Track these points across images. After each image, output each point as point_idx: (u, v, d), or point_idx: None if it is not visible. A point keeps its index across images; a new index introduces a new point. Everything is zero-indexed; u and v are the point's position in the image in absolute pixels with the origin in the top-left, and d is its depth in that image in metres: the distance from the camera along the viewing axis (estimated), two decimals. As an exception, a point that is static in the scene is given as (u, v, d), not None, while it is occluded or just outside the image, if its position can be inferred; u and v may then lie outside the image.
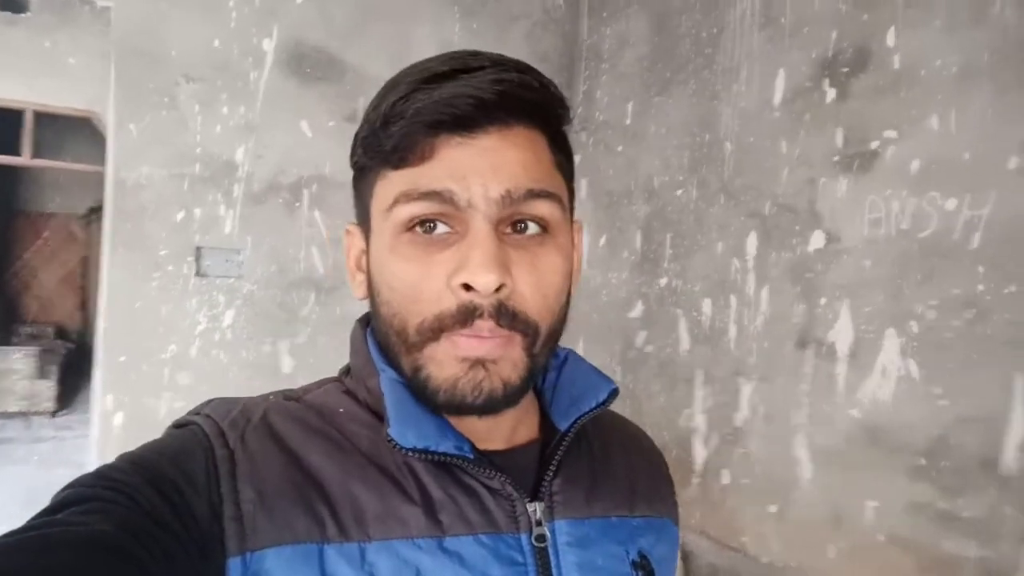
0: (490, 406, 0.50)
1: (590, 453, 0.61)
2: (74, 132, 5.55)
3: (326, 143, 2.09)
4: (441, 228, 0.49)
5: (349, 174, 1.94)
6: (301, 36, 2.03)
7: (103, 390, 1.90)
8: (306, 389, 0.58)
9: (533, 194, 0.49)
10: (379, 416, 0.54)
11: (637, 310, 2.22)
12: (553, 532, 0.54)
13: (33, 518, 0.42)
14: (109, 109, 1.87)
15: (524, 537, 0.52)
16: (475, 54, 0.50)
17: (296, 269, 2.08)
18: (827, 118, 1.63)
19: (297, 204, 2.07)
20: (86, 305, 7.04)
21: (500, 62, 0.50)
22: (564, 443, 0.57)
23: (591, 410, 0.58)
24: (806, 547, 1.66)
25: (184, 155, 1.90)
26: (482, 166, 0.48)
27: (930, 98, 1.43)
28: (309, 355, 2.11)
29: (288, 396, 0.57)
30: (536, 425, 0.60)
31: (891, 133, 1.49)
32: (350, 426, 0.54)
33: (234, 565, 0.46)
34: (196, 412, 0.53)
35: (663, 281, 2.11)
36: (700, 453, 1.98)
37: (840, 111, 1.61)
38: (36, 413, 5.89)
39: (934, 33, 1.43)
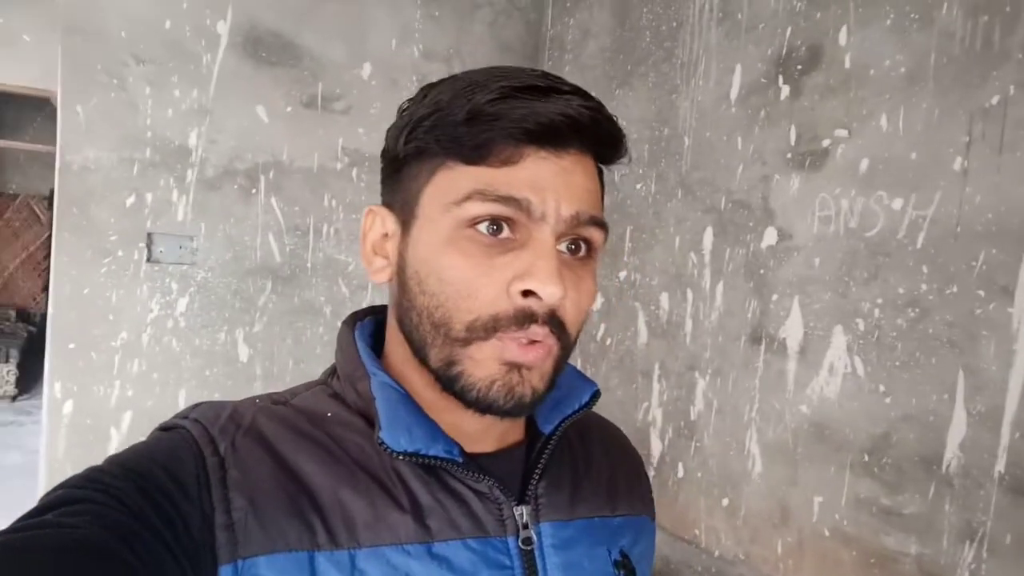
0: (516, 411, 0.51)
1: (572, 455, 0.62)
2: (34, 111, 5.41)
3: (283, 129, 2.05)
4: (505, 232, 0.50)
5: (306, 161, 1.92)
6: (257, 19, 1.99)
7: (51, 377, 1.87)
8: (293, 392, 0.59)
9: (594, 220, 0.52)
10: (368, 419, 0.54)
11: (597, 302, 2.22)
12: (539, 535, 0.55)
13: (21, 518, 0.42)
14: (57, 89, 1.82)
15: (511, 540, 0.53)
16: (559, 78, 0.52)
17: (252, 257, 2.05)
18: (781, 115, 1.64)
19: (253, 191, 2.03)
20: (48, 289, 6.89)
21: (583, 92, 0.52)
22: (549, 446, 0.58)
23: (574, 413, 0.59)
24: (755, 540, 1.68)
25: (134, 138, 1.86)
26: (559, 184, 0.50)
27: (879, 98, 1.44)
28: (266, 344, 2.09)
29: (276, 400, 0.57)
30: (522, 428, 0.62)
31: (842, 132, 1.50)
32: (339, 431, 0.54)
33: (225, 573, 0.46)
34: (184, 416, 0.53)
35: (623, 274, 2.11)
36: (656, 446, 1.99)
37: (793, 108, 1.61)
38: (-4, 397, 5.77)
39: (884, 33, 1.43)
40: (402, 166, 0.55)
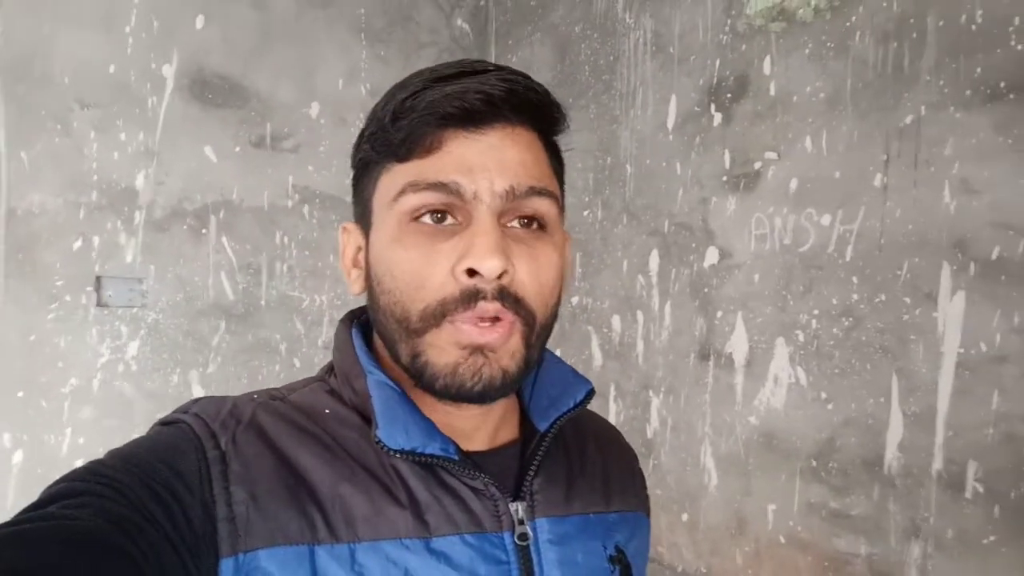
0: (488, 394, 0.51)
1: (567, 452, 0.63)
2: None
3: (232, 168, 2.06)
4: (448, 220, 0.51)
5: (257, 199, 1.94)
6: (203, 62, 2.01)
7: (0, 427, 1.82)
8: (291, 388, 0.59)
9: (534, 191, 0.52)
10: (365, 417, 0.55)
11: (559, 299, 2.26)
12: (535, 530, 0.55)
13: (24, 511, 0.42)
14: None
15: (507, 536, 0.54)
16: (480, 61, 0.53)
17: (204, 296, 2.04)
18: (715, 141, 1.72)
19: (204, 231, 2.03)
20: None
21: (504, 68, 0.53)
22: (544, 444, 0.59)
23: (569, 410, 0.60)
24: (715, 553, 1.72)
25: (80, 182, 1.85)
26: (488, 162, 0.50)
27: (803, 122, 1.53)
28: (221, 384, 2.07)
29: (274, 396, 0.57)
30: (516, 425, 0.62)
31: (771, 154, 1.59)
32: (337, 428, 0.54)
33: (226, 566, 0.46)
34: (184, 411, 0.53)
35: (575, 299, 2.16)
36: (615, 467, 2.02)
37: (726, 134, 1.70)
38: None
39: (804, 62, 1.53)
40: (357, 180, 0.58)
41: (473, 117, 0.50)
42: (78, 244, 1.86)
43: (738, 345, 1.67)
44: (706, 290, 1.74)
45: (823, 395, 1.49)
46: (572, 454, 0.64)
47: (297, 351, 2.17)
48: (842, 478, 1.45)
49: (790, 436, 1.55)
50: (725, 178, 1.70)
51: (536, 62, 2.33)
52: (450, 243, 0.50)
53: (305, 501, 0.50)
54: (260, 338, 2.12)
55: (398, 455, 0.52)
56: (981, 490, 1.23)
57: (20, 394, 1.80)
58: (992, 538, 1.22)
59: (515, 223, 0.53)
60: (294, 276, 2.17)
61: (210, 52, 2.02)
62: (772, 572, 1.58)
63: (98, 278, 1.89)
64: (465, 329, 0.50)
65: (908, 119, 1.36)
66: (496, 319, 0.50)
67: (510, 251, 0.50)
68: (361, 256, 0.58)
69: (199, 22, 2.01)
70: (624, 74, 2.00)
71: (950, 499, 1.28)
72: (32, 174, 1.80)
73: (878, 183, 1.40)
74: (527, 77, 0.53)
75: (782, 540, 1.56)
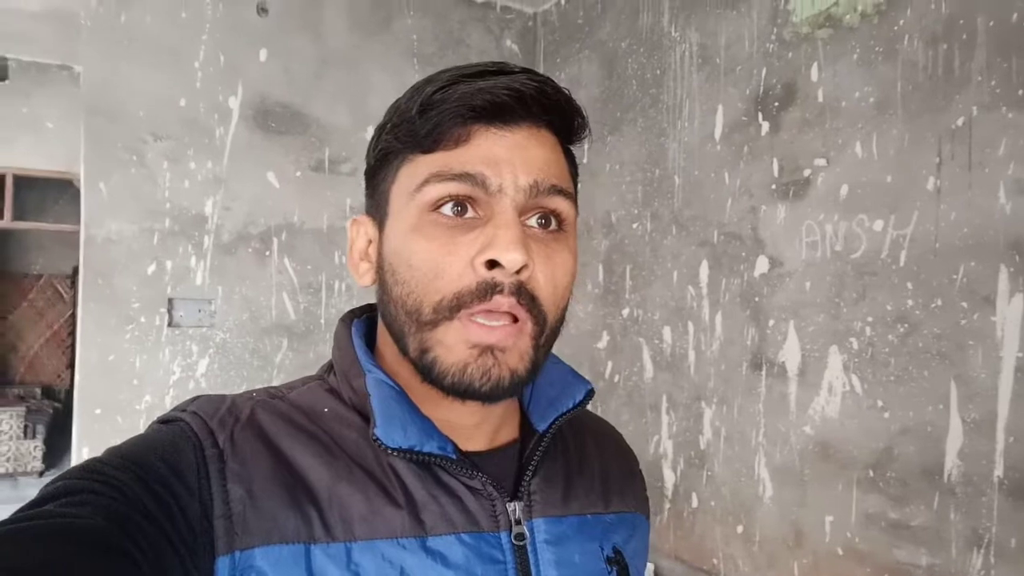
0: (495, 394, 0.50)
1: (566, 452, 0.62)
2: (57, 193, 5.61)
3: (293, 192, 2.16)
4: (469, 212, 0.51)
5: (316, 221, 2.04)
6: (265, 92, 2.12)
7: (79, 443, 1.94)
8: (290, 387, 0.59)
9: (556, 189, 0.52)
10: (363, 416, 0.54)
11: (603, 341, 2.28)
12: (532, 530, 0.55)
13: (21, 509, 0.42)
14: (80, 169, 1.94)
15: (504, 536, 0.53)
16: (507, 63, 0.53)
17: (268, 316, 2.14)
18: (763, 149, 1.72)
19: (267, 253, 2.13)
20: (73, 365, 7.02)
21: (532, 71, 0.53)
22: (543, 444, 0.58)
23: (568, 411, 0.59)
24: (771, 565, 1.70)
25: (153, 210, 1.97)
26: (514, 157, 0.50)
27: (852, 127, 1.52)
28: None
29: (273, 394, 0.57)
30: (516, 425, 0.62)
31: (820, 161, 1.58)
32: (335, 427, 0.54)
33: (222, 564, 0.46)
34: (182, 409, 0.53)
35: (625, 312, 2.17)
36: (670, 478, 2.02)
37: (774, 142, 1.69)
38: (23, 473, 5.83)
39: (852, 67, 1.52)
40: (375, 173, 0.57)
41: (502, 113, 0.51)
42: (152, 268, 1.98)
43: (791, 354, 1.65)
44: (757, 299, 1.74)
45: (879, 403, 1.46)
46: (571, 455, 0.63)
47: (356, 366, 2.24)
48: (901, 488, 1.42)
49: (846, 445, 1.52)
50: (774, 186, 1.69)
51: (584, 78, 2.37)
52: (471, 235, 0.50)
53: (302, 500, 0.49)
54: (320, 355, 2.20)
55: (396, 453, 0.51)
56: (1047, 499, 1.20)
57: (98, 411, 1.92)
58: (1061, 549, 1.17)
59: (533, 221, 0.53)
60: (352, 294, 2.25)
61: (272, 83, 2.13)
62: (832, 585, 1.55)
63: (170, 300, 2.00)
64: (474, 328, 0.49)
65: (960, 121, 1.34)
66: (509, 315, 0.50)
67: (530, 248, 0.49)
68: (371, 249, 0.57)
69: (263, 55, 2.12)
70: (671, 87, 2.02)
71: (1013, 507, 1.24)
72: (109, 203, 1.92)
73: (931, 187, 1.38)
74: (554, 82, 0.53)
75: (840, 552, 1.53)
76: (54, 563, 0.37)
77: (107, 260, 1.93)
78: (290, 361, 2.16)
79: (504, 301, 0.49)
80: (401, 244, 0.52)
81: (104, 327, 1.93)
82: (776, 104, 1.70)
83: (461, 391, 0.51)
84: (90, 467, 0.45)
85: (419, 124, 0.50)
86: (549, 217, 0.53)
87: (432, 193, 0.50)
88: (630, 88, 2.17)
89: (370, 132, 2.26)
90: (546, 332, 0.53)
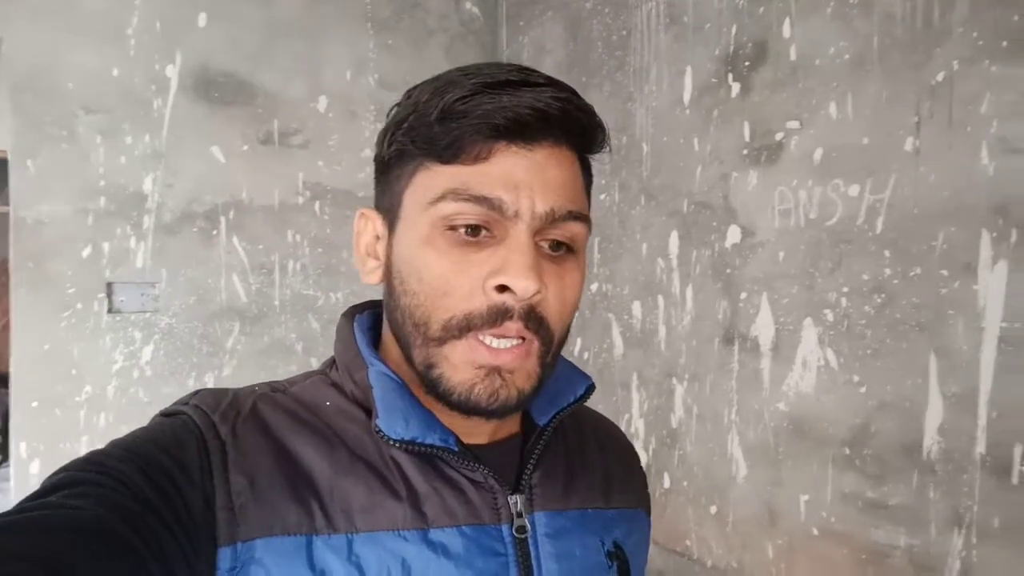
0: (502, 412, 0.51)
1: (567, 447, 0.63)
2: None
3: (241, 167, 2.03)
4: (483, 233, 0.50)
5: (267, 198, 1.90)
6: (207, 61, 1.98)
7: (17, 437, 1.82)
8: (292, 381, 0.59)
9: (571, 215, 0.52)
10: (365, 409, 0.55)
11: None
12: (533, 524, 0.55)
13: (24, 500, 0.41)
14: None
15: (505, 528, 0.54)
16: (533, 71, 0.52)
17: (217, 299, 2.02)
18: (733, 113, 1.63)
19: (214, 232, 2.01)
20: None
21: (557, 83, 0.52)
22: (544, 438, 0.58)
23: (569, 405, 0.60)
24: (746, 547, 1.64)
25: (87, 189, 1.84)
26: (533, 180, 0.50)
27: (827, 86, 1.43)
28: (238, 387, 2.05)
29: (275, 388, 0.57)
30: (518, 419, 0.62)
31: (793, 123, 1.49)
32: (337, 420, 0.54)
33: (224, 555, 0.46)
34: (184, 402, 0.53)
35: (594, 286, 2.09)
36: (642, 458, 1.95)
37: (745, 105, 1.60)
38: (-19, 465, 5.67)
39: (826, 22, 1.43)
40: (387, 168, 0.56)
41: (524, 132, 0.50)
42: (88, 251, 1.85)
43: (764, 328, 1.58)
44: (729, 271, 1.65)
45: (855, 378, 1.39)
46: (572, 450, 0.63)
47: (314, 350, 2.14)
48: (878, 466, 1.35)
49: (822, 422, 1.45)
50: (745, 152, 1.60)
51: (548, 42, 2.26)
52: (482, 255, 0.50)
53: (303, 492, 0.50)
54: (276, 338, 2.09)
55: (397, 445, 0.51)
56: (1032, 476, 1.13)
57: (35, 404, 1.80)
58: (1046, 528, 1.11)
59: (547, 245, 0.52)
60: (308, 274, 2.14)
61: (214, 50, 1.99)
62: (806, 566, 1.49)
63: (109, 284, 1.88)
64: (482, 350, 0.49)
65: (940, 76, 1.26)
66: (519, 338, 0.50)
67: (542, 272, 0.50)
68: (379, 246, 0.57)
69: (202, 20, 1.98)
70: (638, 49, 1.92)
71: (995, 485, 1.18)
72: (39, 183, 1.79)
73: (909, 148, 1.30)
74: (577, 95, 0.53)
75: (816, 532, 1.47)
76: (57, 555, 0.37)
77: (39, 243, 1.80)
78: (242, 346, 2.05)
79: (513, 327, 0.49)
80: (412, 254, 0.52)
81: (38, 315, 1.81)
82: (747, 64, 1.60)
83: (468, 409, 0.51)
84: (93, 459, 0.46)
85: (438, 132, 0.50)
86: (561, 243, 0.53)
87: (447, 210, 0.50)
88: (596, 51, 2.07)
89: (323, 103, 2.13)
90: (552, 351, 0.53)
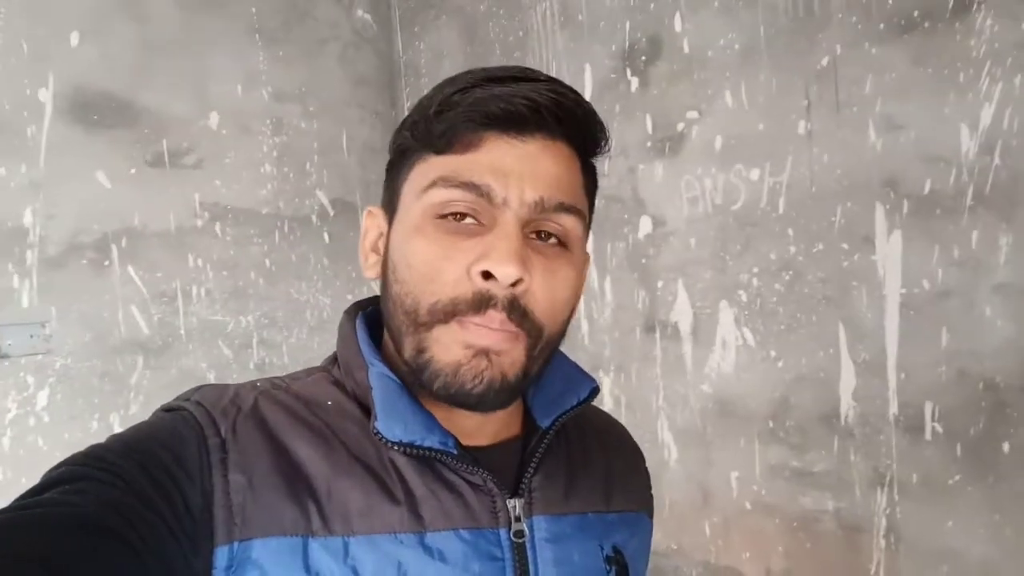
0: (486, 398, 0.50)
1: (569, 450, 0.62)
2: None
3: (130, 192, 1.91)
4: (469, 220, 0.51)
5: (162, 223, 1.80)
6: (82, 81, 1.85)
7: None
8: (294, 378, 0.59)
9: (563, 207, 0.52)
10: (365, 408, 0.55)
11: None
12: (531, 528, 0.55)
13: (23, 496, 0.41)
14: None
15: (503, 532, 0.53)
16: (534, 70, 0.53)
17: (116, 333, 1.89)
18: (635, 107, 1.66)
19: (106, 262, 1.88)
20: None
21: (555, 80, 0.53)
22: (545, 441, 0.58)
23: (571, 408, 0.60)
24: (683, 528, 1.68)
25: (-43, 226, 1.68)
26: (523, 169, 0.50)
27: (720, 77, 1.48)
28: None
29: (276, 384, 0.57)
30: (519, 422, 0.62)
31: (692, 114, 1.54)
32: (337, 420, 0.54)
33: (221, 554, 0.46)
34: (186, 398, 0.53)
35: (513, 288, 2.09)
36: (574, 453, 1.96)
37: (645, 98, 1.64)
38: None
39: (714, 15, 1.48)
40: (391, 166, 0.57)
41: (516, 122, 0.50)
42: (-35, 293, 1.69)
43: (682, 313, 1.62)
44: (644, 261, 1.69)
45: (772, 353, 1.45)
46: (574, 452, 0.63)
47: (227, 377, 2.04)
48: (800, 436, 1.41)
49: (744, 400, 1.51)
50: (650, 144, 1.64)
51: (445, 47, 2.24)
52: (470, 242, 0.50)
53: (301, 492, 0.49)
54: (184, 369, 1.98)
55: (396, 447, 0.51)
56: (940, 431, 1.21)
57: (-82, 465, 1.63)
58: (957, 478, 1.19)
59: (537, 236, 0.52)
60: (214, 299, 2.04)
61: (90, 71, 1.87)
62: (742, 540, 1.54)
63: (-8, 328, 1.73)
64: (472, 328, 0.49)
65: (824, 61, 1.33)
66: (502, 329, 0.50)
67: (529, 261, 0.49)
68: (382, 242, 0.57)
69: (74, 39, 1.85)
70: (535, 49, 1.93)
71: (910, 444, 1.26)
72: (-101, 223, 1.62)
73: (802, 130, 1.37)
74: (576, 92, 0.53)
75: (748, 507, 1.52)
76: (55, 551, 0.37)
77: (-96, 290, 1.63)
78: (148, 380, 1.93)
79: (496, 317, 0.49)
80: (403, 243, 0.52)
81: (-90, 369, 1.64)
82: (643, 58, 1.64)
83: (452, 393, 0.50)
84: (92, 454, 0.45)
85: (435, 124, 0.51)
86: (550, 233, 0.52)
87: (437, 197, 0.51)
88: (494, 54, 2.07)
89: (214, 119, 2.04)
90: (541, 345, 0.52)
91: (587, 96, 1.76)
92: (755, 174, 1.44)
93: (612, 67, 1.72)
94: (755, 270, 1.46)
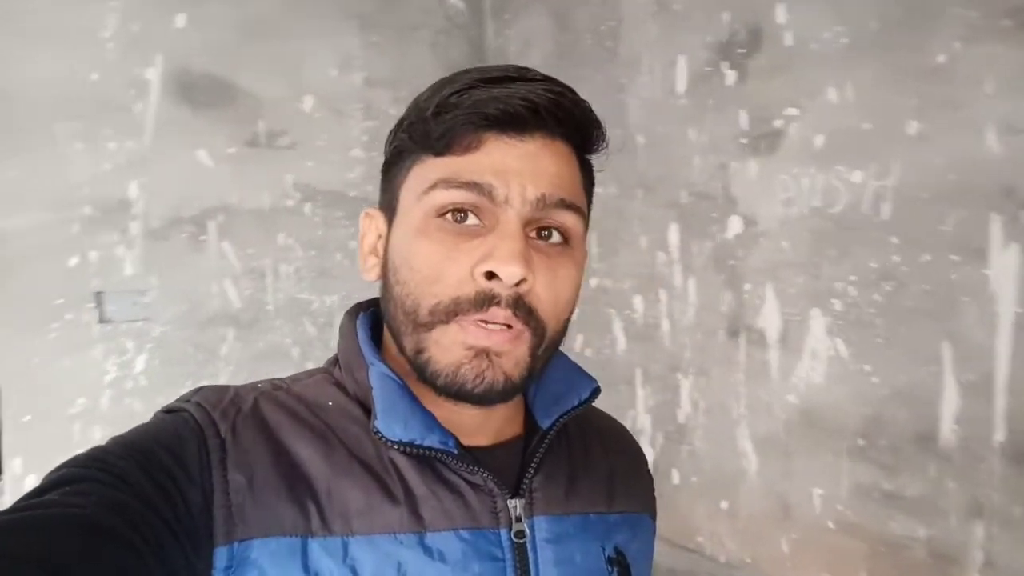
0: (488, 397, 0.50)
1: (571, 450, 0.62)
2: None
3: (228, 171, 1.99)
4: (471, 219, 0.51)
5: (256, 201, 1.85)
6: (187, 63, 1.93)
7: (9, 454, 1.77)
8: (295, 378, 0.60)
9: (564, 204, 0.52)
10: (366, 409, 0.55)
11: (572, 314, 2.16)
12: (532, 528, 0.54)
13: (25, 497, 0.42)
14: (-15, 157, 1.75)
15: (504, 533, 0.53)
16: (530, 69, 0.54)
17: (210, 305, 1.98)
18: (729, 101, 1.59)
19: (203, 237, 1.96)
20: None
21: (552, 79, 0.54)
22: (546, 441, 0.58)
23: (573, 408, 0.59)
24: (759, 542, 1.61)
25: (70, 197, 1.79)
26: (524, 168, 0.50)
27: (825, 71, 1.40)
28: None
29: (277, 385, 0.57)
30: (521, 422, 0.62)
31: (792, 110, 1.46)
32: (337, 420, 0.54)
33: (220, 554, 0.46)
34: (186, 399, 0.53)
35: (593, 282, 2.05)
36: (649, 454, 1.92)
37: (741, 93, 1.57)
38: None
39: (821, 5, 1.40)
40: (388, 167, 0.57)
41: (515, 122, 0.50)
42: (74, 261, 1.80)
43: (770, 319, 1.55)
44: (731, 262, 1.63)
45: (867, 367, 1.37)
46: (576, 453, 0.62)
47: (310, 355, 2.10)
48: (893, 456, 1.33)
49: (833, 413, 1.43)
50: (744, 140, 1.57)
51: (536, 34, 2.22)
52: (473, 243, 0.50)
53: (301, 493, 0.49)
54: (271, 344, 2.05)
55: (396, 447, 0.51)
56: (1052, 463, 1.11)
57: (27, 418, 1.75)
58: (1068, 516, 1.09)
59: (538, 235, 0.53)
60: (301, 278, 2.10)
61: (194, 52, 1.94)
62: (822, 560, 1.46)
63: (98, 294, 1.83)
64: (472, 330, 0.49)
65: (940, 58, 1.23)
66: (506, 326, 0.50)
67: (532, 261, 0.49)
68: (381, 244, 0.57)
69: (180, 21, 1.93)
70: (628, 38, 1.88)
71: (1016, 473, 1.16)
72: (16, 193, 1.73)
73: (912, 132, 1.27)
74: (573, 92, 0.54)
75: (831, 525, 1.44)
76: (56, 553, 0.37)
77: (18, 255, 1.74)
78: (237, 353, 2.00)
79: (500, 313, 0.49)
80: (405, 245, 0.52)
81: (22, 328, 1.76)
82: (742, 51, 1.57)
83: (453, 392, 0.50)
84: (93, 455, 0.46)
85: (433, 126, 0.51)
86: (552, 231, 0.53)
87: (439, 198, 0.50)
88: (584, 42, 2.03)
89: (308, 103, 2.08)
90: (544, 343, 0.53)
91: (680, 90, 1.71)
92: (858, 176, 1.36)
93: (707, 59, 1.65)
94: (852, 278, 1.38)
